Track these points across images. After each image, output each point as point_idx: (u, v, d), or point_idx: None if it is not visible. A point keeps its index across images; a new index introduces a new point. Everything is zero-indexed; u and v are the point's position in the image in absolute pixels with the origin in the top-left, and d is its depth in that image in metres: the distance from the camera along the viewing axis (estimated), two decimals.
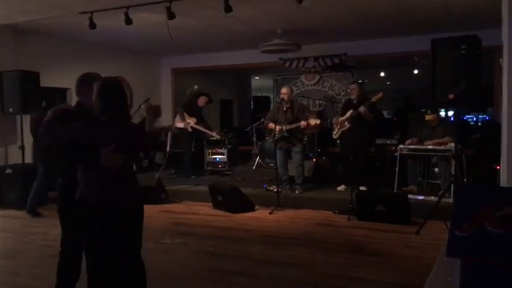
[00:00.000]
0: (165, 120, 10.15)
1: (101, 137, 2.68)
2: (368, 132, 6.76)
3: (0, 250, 4.87)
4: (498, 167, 5.74)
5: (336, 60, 9.12)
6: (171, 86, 10.90)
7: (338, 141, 7.31)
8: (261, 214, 6.26)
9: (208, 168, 8.77)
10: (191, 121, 8.32)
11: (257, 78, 14.69)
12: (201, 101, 8.60)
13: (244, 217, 6.11)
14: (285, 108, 6.85)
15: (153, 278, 3.13)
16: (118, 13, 6.03)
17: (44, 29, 7.38)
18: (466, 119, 11.99)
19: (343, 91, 9.35)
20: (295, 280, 3.81)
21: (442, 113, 8.01)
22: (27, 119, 7.22)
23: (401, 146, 6.47)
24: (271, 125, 6.84)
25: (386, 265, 4.12)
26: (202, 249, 4.69)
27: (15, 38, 7.26)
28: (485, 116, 12.19)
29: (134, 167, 3.22)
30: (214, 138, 8.68)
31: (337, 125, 6.95)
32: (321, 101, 9.43)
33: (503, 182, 4.86)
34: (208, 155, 8.78)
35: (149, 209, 6.13)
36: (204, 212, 6.49)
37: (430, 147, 6.21)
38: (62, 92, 8.08)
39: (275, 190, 6.59)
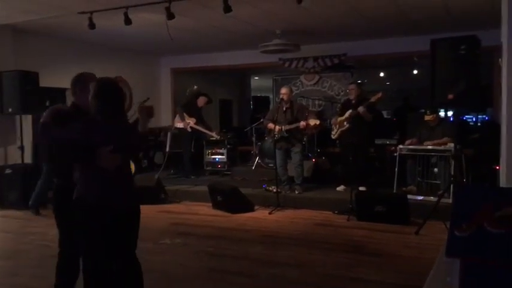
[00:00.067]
0: (164, 120, 10.17)
1: (97, 137, 2.67)
2: (367, 133, 6.77)
3: None
4: (497, 167, 5.74)
5: (336, 61, 9.12)
6: (171, 86, 10.90)
7: (337, 142, 7.31)
8: (260, 214, 6.26)
9: (208, 168, 8.76)
10: (191, 121, 8.32)
11: (256, 78, 14.69)
12: (201, 101, 8.59)
13: (244, 217, 6.10)
14: (284, 109, 6.85)
15: (152, 278, 3.13)
16: (117, 13, 6.02)
17: (43, 29, 7.37)
18: (465, 119, 11.99)
19: (342, 91, 9.35)
20: (294, 280, 3.81)
21: (442, 113, 7.99)
22: (26, 119, 7.22)
23: (400, 146, 6.47)
24: (271, 125, 6.84)
25: (385, 265, 4.12)
26: (201, 249, 4.68)
27: (15, 38, 7.25)
28: (484, 116, 12.19)
29: (134, 168, 3.22)
30: (214, 139, 8.67)
31: (335, 125, 6.95)
32: (320, 101, 9.43)
33: (503, 182, 4.87)
34: (208, 155, 8.77)
35: (148, 209, 6.20)
36: (203, 212, 6.48)
37: (429, 147, 6.21)
38: (61, 92, 8.05)
39: (274, 190, 6.59)
